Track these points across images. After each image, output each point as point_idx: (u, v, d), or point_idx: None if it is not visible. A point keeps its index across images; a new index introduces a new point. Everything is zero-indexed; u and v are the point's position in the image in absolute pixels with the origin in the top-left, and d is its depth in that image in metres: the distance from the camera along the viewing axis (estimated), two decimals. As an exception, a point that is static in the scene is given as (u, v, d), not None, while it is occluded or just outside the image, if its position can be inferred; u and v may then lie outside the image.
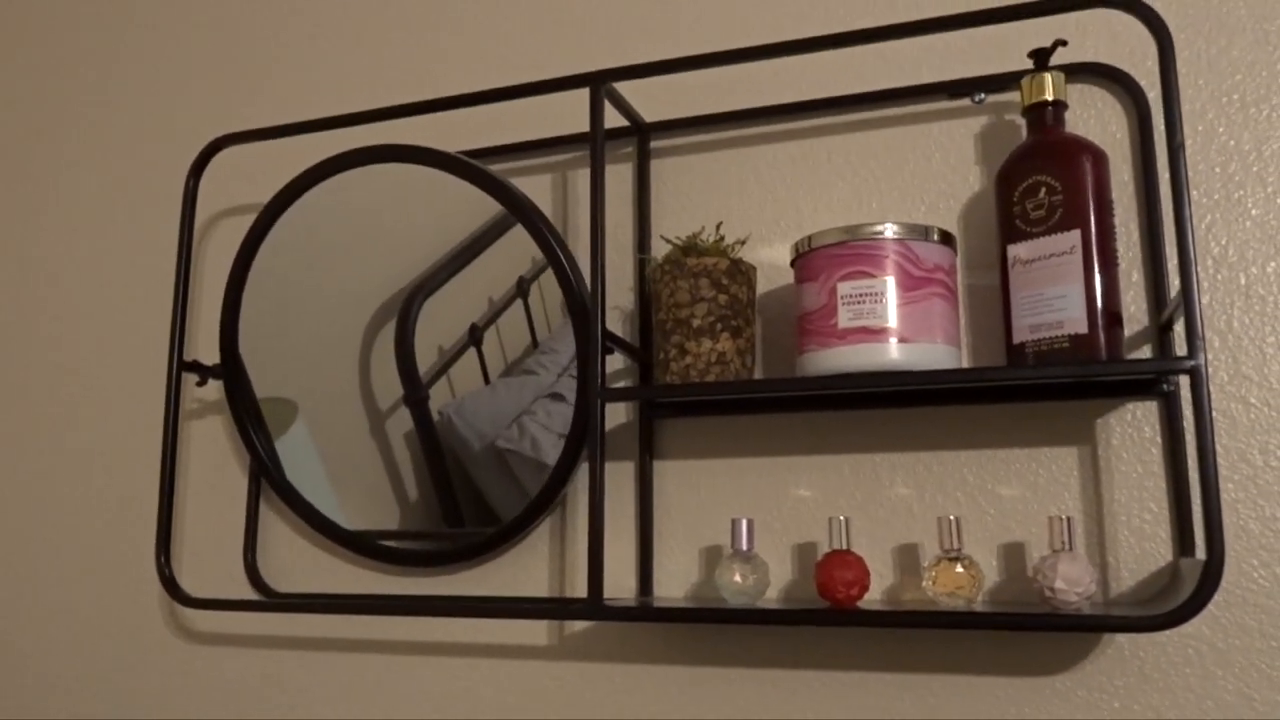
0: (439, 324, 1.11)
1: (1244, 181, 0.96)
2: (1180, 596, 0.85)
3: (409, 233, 1.16)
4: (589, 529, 0.95)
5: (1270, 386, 0.92)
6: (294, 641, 1.22)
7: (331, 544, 1.22)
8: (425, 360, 1.12)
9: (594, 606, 0.94)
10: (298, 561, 1.23)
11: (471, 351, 1.11)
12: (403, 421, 1.14)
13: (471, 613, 1.00)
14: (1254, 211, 0.95)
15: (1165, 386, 0.93)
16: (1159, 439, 0.95)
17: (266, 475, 1.21)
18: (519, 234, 1.11)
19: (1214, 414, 0.93)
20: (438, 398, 1.12)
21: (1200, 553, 0.91)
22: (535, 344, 1.09)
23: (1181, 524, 0.92)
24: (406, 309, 1.14)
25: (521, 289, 1.10)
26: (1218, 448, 0.93)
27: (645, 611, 0.93)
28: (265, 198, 1.33)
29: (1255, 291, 0.94)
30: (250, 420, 1.22)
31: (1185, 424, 0.93)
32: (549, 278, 1.10)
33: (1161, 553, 0.93)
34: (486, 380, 1.10)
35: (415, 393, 1.13)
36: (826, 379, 0.91)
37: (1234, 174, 0.96)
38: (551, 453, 1.07)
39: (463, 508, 1.13)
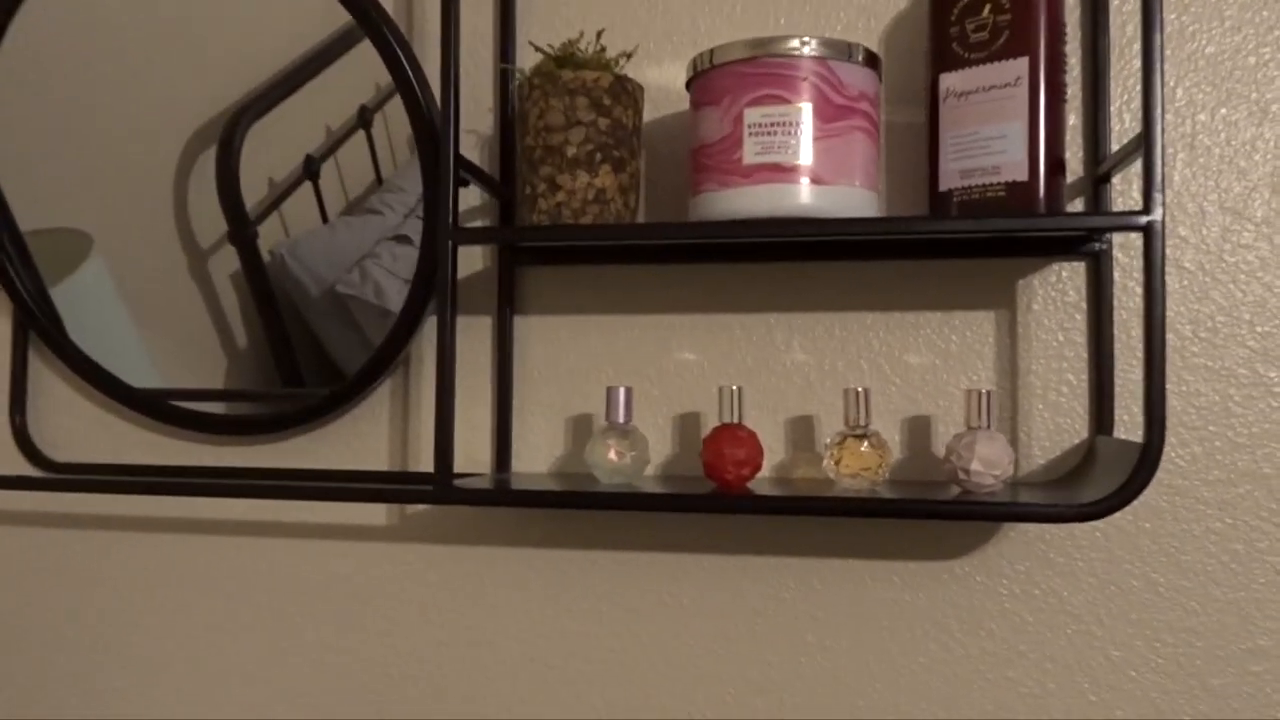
0: (269, 152, 0.97)
1: (1200, 14, 0.84)
2: (1097, 478, 0.77)
3: (232, 42, 0.98)
4: (437, 399, 0.79)
5: (1207, 250, 0.83)
6: (85, 519, 1.03)
7: (123, 407, 1.02)
8: (254, 194, 0.98)
9: (442, 487, 0.79)
10: (84, 426, 1.03)
11: (307, 186, 0.97)
12: (228, 261, 0.99)
13: (291, 494, 0.84)
14: (1208, 49, 0.84)
15: (1098, 245, 0.83)
16: (1084, 304, 0.85)
17: (34, 324, 0.99)
18: (360, 55, 0.95)
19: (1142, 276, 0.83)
20: (269, 236, 0.98)
21: (1119, 430, 0.83)
22: (379, 180, 0.95)
23: (1100, 399, 0.83)
24: (230, 132, 0.98)
25: (364, 119, 0.95)
26: (1140, 317, 0.84)
27: (502, 494, 0.78)
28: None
29: (1201, 142, 0.84)
30: (11, 258, 0.99)
31: (1116, 289, 0.84)
32: (395, 107, 0.94)
33: (1077, 428, 0.85)
34: (325, 219, 0.96)
35: (242, 230, 0.98)
36: (727, 225, 0.76)
37: (1190, 3, 0.84)
38: (396, 299, 0.94)
39: (301, 362, 0.96)
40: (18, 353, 1.01)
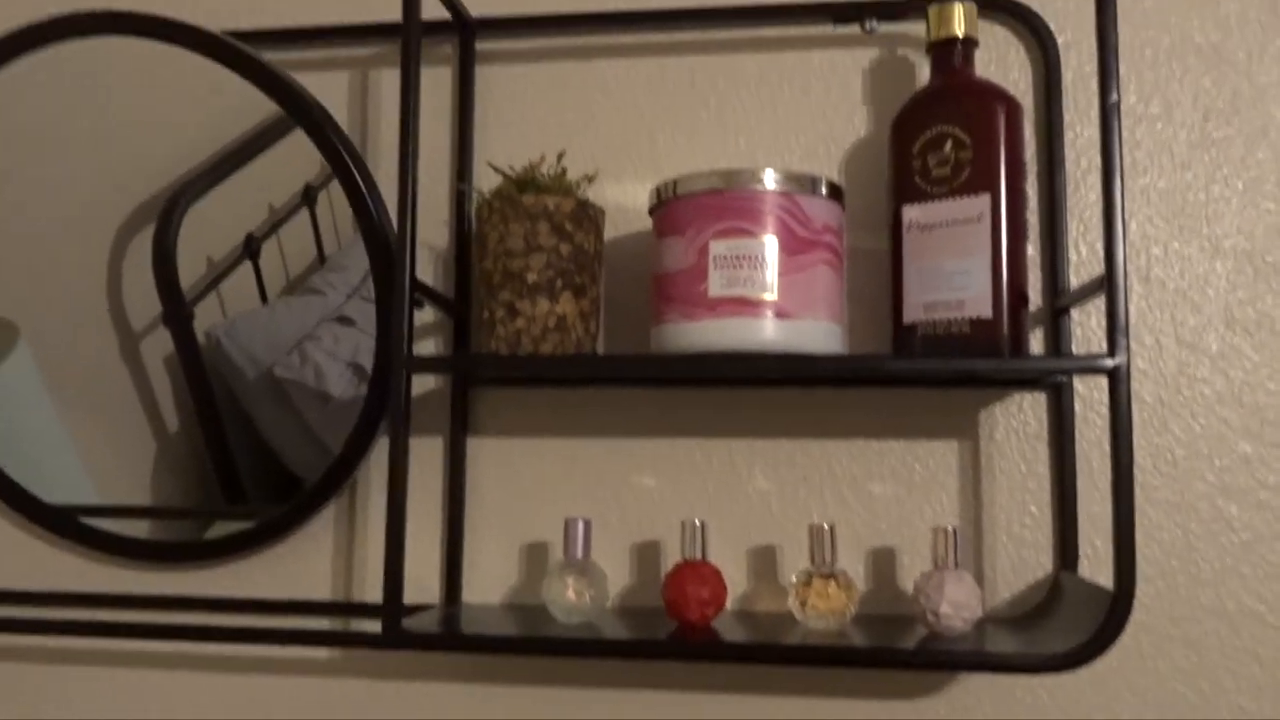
0: (209, 232, 0.94)
1: (1152, 149, 0.86)
2: (1064, 621, 0.75)
3: (174, 123, 0.95)
4: (387, 535, 0.75)
5: (1165, 382, 0.84)
6: (-6, 647, 0.96)
7: (38, 526, 0.95)
8: (191, 274, 0.94)
9: (391, 631, 0.74)
10: (-1, 547, 0.97)
11: (247, 265, 0.93)
12: (162, 343, 0.94)
13: (225, 637, 0.79)
14: (1160, 184, 0.85)
15: (1060, 377, 0.83)
16: (1045, 435, 0.84)
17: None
18: (304, 134, 0.92)
19: (1103, 410, 0.84)
20: (206, 317, 0.94)
21: (1084, 564, 0.82)
22: (322, 260, 0.93)
23: (1064, 532, 0.83)
24: (168, 211, 0.94)
25: (308, 198, 0.93)
26: (1101, 449, 0.83)
27: (456, 640, 0.75)
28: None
29: (1155, 275, 0.85)
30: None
31: (1077, 420, 0.83)
32: (340, 186, 0.91)
33: (1041, 562, 0.84)
34: (264, 299, 0.93)
35: (177, 309, 0.94)
36: (693, 360, 0.74)
37: (1141, 140, 0.86)
38: (337, 383, 0.90)
39: (237, 455, 0.93)
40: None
